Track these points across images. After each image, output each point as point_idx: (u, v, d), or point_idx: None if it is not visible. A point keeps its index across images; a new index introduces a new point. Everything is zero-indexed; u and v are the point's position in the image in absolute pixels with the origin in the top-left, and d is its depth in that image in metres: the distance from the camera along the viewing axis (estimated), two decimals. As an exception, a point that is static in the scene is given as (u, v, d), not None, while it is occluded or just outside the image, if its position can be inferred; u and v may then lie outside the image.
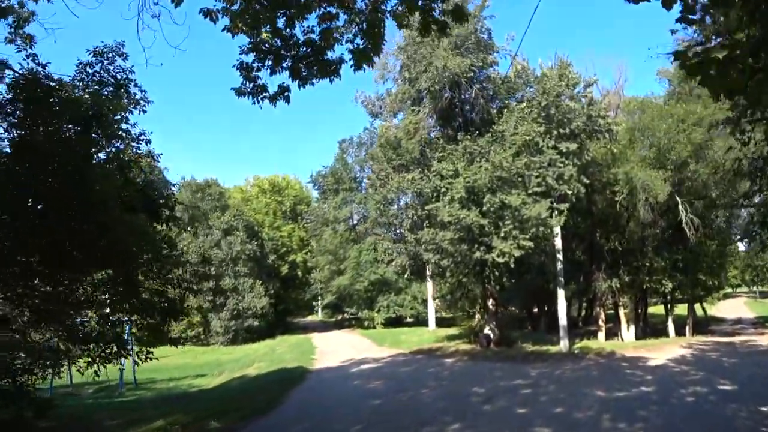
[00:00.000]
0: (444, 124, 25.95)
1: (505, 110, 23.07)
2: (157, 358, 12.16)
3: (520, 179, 20.92)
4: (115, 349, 11.14)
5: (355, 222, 53.86)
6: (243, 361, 31.22)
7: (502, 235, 20.31)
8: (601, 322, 32.11)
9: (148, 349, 11.69)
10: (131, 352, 13.21)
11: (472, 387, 15.42)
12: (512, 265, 20.85)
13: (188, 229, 47.21)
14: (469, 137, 22.21)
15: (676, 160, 25.92)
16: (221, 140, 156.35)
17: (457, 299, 28.60)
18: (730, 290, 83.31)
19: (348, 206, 51.80)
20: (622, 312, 31.63)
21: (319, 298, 52.89)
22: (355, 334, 44.13)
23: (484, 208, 20.36)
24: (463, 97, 25.50)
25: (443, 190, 21.27)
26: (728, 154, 10.89)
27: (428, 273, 23.65)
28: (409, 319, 52.31)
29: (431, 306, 40.87)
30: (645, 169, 25.33)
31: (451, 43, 22.44)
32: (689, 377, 15.95)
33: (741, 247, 41.85)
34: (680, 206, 26.60)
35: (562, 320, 24.17)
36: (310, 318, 76.09)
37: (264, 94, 8.35)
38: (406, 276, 27.40)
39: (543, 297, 39.06)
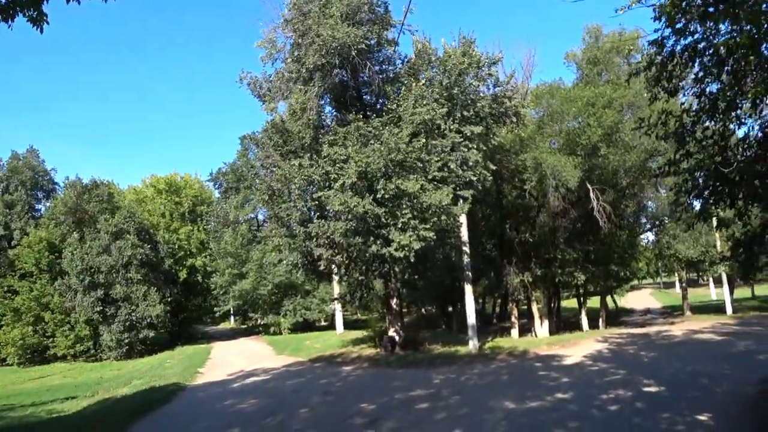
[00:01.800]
0: (339, 108, 23.48)
1: (403, 88, 20.84)
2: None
3: (419, 164, 18.69)
4: None
5: (261, 222, 50.60)
6: (122, 379, 27.64)
7: (400, 225, 18.00)
8: (514, 319, 30.71)
9: None
10: None
11: (360, 403, 12.98)
12: (412, 260, 18.55)
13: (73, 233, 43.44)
14: (361, 117, 19.80)
15: (586, 145, 24.59)
16: (121, 141, 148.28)
17: (358, 299, 26.15)
18: (635, 282, 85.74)
19: (251, 205, 48.48)
20: (535, 307, 30.23)
21: (222, 304, 49.02)
22: (259, 342, 41.36)
23: (378, 196, 17.96)
24: (360, 78, 23.15)
25: (334, 176, 18.74)
26: (654, 105, 8.85)
27: (322, 269, 20.95)
28: (323, 323, 49.63)
29: (338, 308, 38.30)
30: (554, 154, 23.84)
31: (340, 12, 19.97)
32: (609, 378, 14.14)
33: (650, 237, 41.75)
34: (591, 194, 25.32)
35: (471, 318, 22.13)
36: (222, 326, 72.01)
37: None
38: (298, 275, 24.53)
39: (455, 294, 37.38)
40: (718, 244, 34.44)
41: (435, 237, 18.51)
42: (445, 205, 18.12)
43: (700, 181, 8.48)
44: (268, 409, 13.12)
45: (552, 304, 33.23)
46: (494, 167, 21.84)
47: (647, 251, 45.61)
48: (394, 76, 23.54)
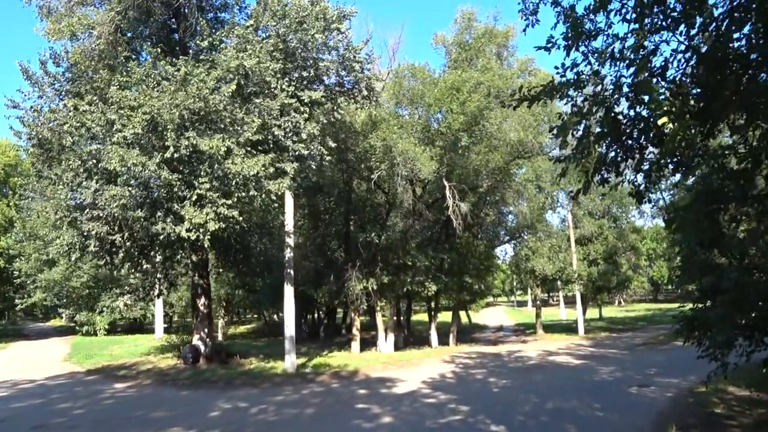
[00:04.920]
0: (163, 54, 18.69)
1: (226, 28, 16.49)
2: None
3: (233, 124, 14.32)
4: None
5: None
6: None
7: (195, 198, 13.53)
8: (355, 331, 26.91)
9: None
10: None
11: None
12: (206, 245, 14.09)
13: None
14: (160, 53, 15.15)
15: (446, 134, 21.47)
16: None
17: (156, 296, 21.19)
18: (491, 299, 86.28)
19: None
20: (379, 318, 26.66)
21: (26, 296, 41.23)
22: (63, 344, 34.59)
23: (168, 155, 13.34)
24: (191, 26, 18.50)
25: (118, 127, 13.92)
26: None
27: (93, 250, 15.78)
28: (165, 324, 43.11)
29: (159, 307, 32.70)
30: (408, 139, 20.40)
31: None
32: (446, 418, 10.51)
33: (509, 250, 39.99)
34: (448, 192, 22.22)
35: (289, 328, 17.86)
36: (51, 323, 62.43)
37: None
38: (74, 259, 19.12)
39: (302, 300, 33.06)
40: (575, 262, 33.09)
41: (240, 217, 14.12)
42: (255, 176, 13.84)
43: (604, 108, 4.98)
44: None
45: (401, 317, 30.05)
46: (334, 144, 17.97)
47: (504, 265, 44.11)
48: (230, 26, 19.19)
